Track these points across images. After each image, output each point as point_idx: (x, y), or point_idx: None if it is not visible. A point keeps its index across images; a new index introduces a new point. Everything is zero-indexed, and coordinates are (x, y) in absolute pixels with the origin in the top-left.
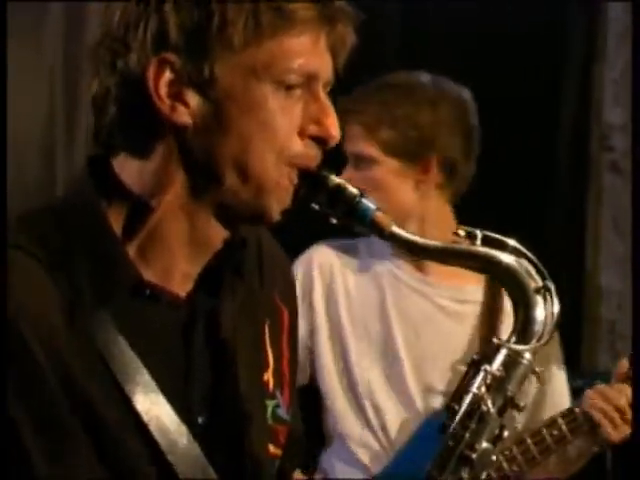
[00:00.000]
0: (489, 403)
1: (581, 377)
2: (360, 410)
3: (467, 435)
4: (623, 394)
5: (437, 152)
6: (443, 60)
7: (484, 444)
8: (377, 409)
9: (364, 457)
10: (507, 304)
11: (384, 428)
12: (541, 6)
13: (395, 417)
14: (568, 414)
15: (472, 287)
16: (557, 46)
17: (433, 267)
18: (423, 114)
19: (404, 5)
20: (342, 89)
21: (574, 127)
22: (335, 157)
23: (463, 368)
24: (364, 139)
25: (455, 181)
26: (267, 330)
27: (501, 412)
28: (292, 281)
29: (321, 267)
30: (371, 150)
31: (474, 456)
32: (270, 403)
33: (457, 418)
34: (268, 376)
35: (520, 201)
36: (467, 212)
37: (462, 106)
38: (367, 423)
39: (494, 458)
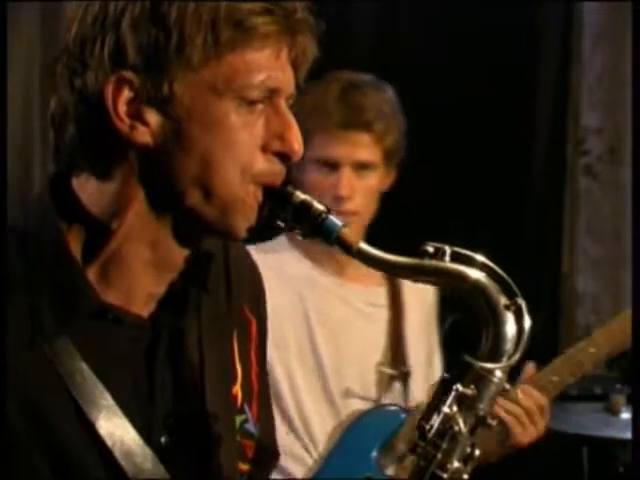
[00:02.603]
0: (460, 422)
1: None
2: (284, 417)
3: (439, 455)
4: (531, 397)
5: None
6: (417, 62)
7: (455, 464)
8: (302, 415)
9: (290, 465)
10: (409, 305)
11: (310, 435)
12: (516, 8)
13: (320, 422)
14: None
15: (380, 290)
16: (532, 49)
17: (349, 271)
18: (403, 122)
19: (377, 5)
20: None
21: (550, 131)
22: None
23: (385, 370)
24: (372, 147)
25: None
26: (235, 342)
27: (472, 431)
28: (262, 290)
29: None
30: (376, 157)
31: (445, 476)
32: (238, 418)
33: (428, 437)
34: (237, 390)
35: (495, 205)
36: (442, 217)
37: None
38: (293, 430)
39: (466, 477)
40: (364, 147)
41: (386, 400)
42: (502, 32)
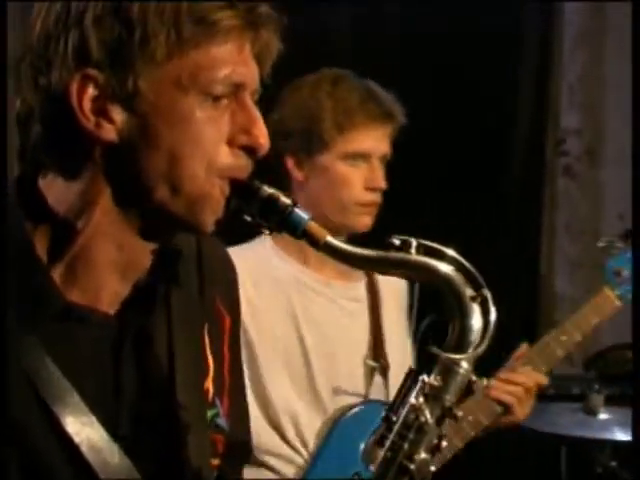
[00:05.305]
0: (427, 413)
1: None
2: (274, 418)
3: (405, 446)
4: (530, 377)
5: None
6: (396, 62)
7: (422, 454)
8: (291, 414)
9: (282, 466)
10: (385, 297)
11: (300, 435)
12: (497, 9)
13: (309, 422)
14: (481, 401)
15: (358, 284)
16: (513, 49)
17: (329, 268)
18: None
19: (358, 7)
20: None
21: (530, 131)
22: None
23: (370, 362)
24: (390, 139)
25: None
26: (207, 337)
27: (439, 422)
28: (235, 285)
29: None
30: (388, 150)
31: (412, 467)
32: (209, 412)
33: (395, 429)
34: (208, 384)
35: (474, 205)
36: (421, 216)
37: None
38: (281, 431)
39: (433, 468)
40: (388, 138)
41: (372, 394)
42: (483, 33)
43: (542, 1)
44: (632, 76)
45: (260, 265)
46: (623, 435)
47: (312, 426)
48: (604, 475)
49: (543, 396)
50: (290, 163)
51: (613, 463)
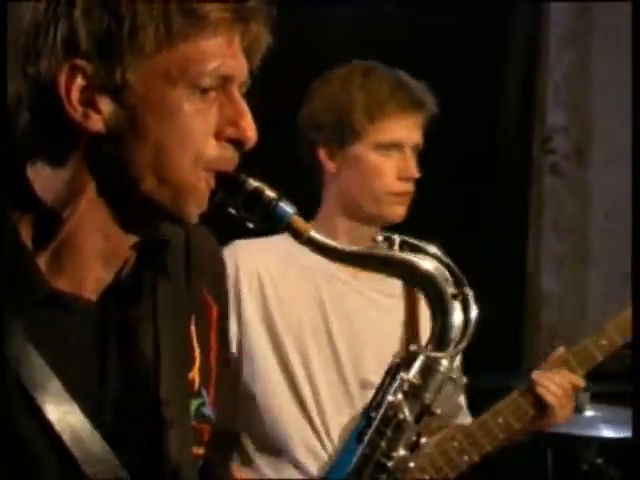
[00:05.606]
0: (405, 410)
1: (521, 379)
2: (302, 408)
3: (383, 443)
4: (567, 378)
5: None
6: (383, 59)
7: (401, 451)
8: (319, 406)
9: (302, 455)
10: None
11: (325, 425)
12: (484, 8)
13: (335, 413)
14: (511, 403)
15: (395, 281)
16: (500, 48)
17: None
18: None
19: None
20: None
21: (517, 129)
22: None
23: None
24: (421, 129)
25: None
26: (194, 326)
27: (418, 419)
28: (223, 275)
29: (246, 265)
30: (420, 139)
31: (390, 464)
32: (195, 402)
33: (374, 425)
34: (194, 374)
35: (462, 203)
36: (407, 212)
37: None
38: (310, 422)
39: (411, 465)
40: (419, 129)
41: None
42: (470, 32)
43: (529, 1)
44: (632, 76)
45: (288, 255)
46: (609, 432)
47: (338, 417)
48: (590, 472)
49: None
50: (322, 155)
51: (599, 460)
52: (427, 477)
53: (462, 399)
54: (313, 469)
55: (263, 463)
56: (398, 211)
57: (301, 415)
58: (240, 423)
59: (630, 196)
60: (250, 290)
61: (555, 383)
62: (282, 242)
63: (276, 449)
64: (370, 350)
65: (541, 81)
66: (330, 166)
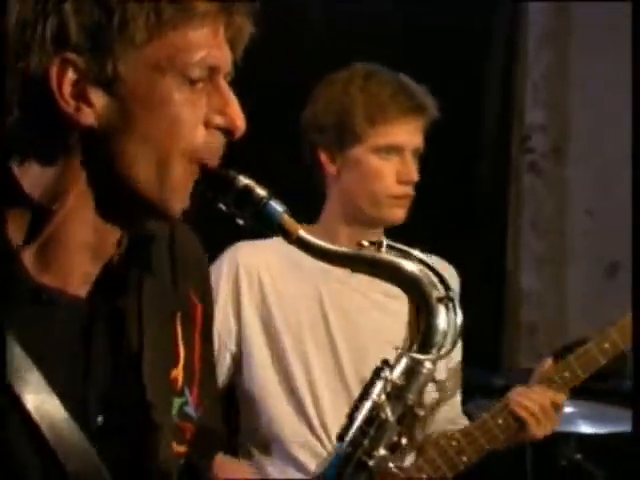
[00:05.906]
0: (388, 411)
1: (502, 376)
2: (300, 408)
3: (365, 442)
4: (546, 395)
5: None
6: (364, 58)
7: (382, 451)
8: (317, 406)
9: (302, 455)
10: None
11: (324, 426)
12: (463, 8)
13: (335, 413)
14: (496, 415)
15: None
16: (479, 47)
17: None
18: None
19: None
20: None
21: (496, 128)
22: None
23: None
24: (422, 133)
25: None
26: (179, 325)
27: (400, 420)
28: (207, 275)
29: (246, 266)
30: (421, 143)
31: (371, 463)
32: (177, 401)
33: (355, 424)
34: (177, 373)
35: (440, 202)
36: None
37: None
38: (308, 422)
39: (391, 465)
40: (419, 133)
41: None
42: (449, 31)
43: (507, 1)
44: (632, 76)
45: (287, 255)
46: (587, 428)
47: (338, 417)
48: (569, 468)
49: (507, 388)
50: (323, 157)
51: (578, 456)
52: (425, 476)
53: (458, 400)
54: (313, 468)
55: (265, 462)
56: (398, 214)
57: (299, 414)
58: (240, 423)
59: (608, 194)
60: (250, 288)
61: (531, 400)
62: (282, 242)
63: (276, 448)
64: (372, 350)
65: (520, 80)
66: (331, 168)
